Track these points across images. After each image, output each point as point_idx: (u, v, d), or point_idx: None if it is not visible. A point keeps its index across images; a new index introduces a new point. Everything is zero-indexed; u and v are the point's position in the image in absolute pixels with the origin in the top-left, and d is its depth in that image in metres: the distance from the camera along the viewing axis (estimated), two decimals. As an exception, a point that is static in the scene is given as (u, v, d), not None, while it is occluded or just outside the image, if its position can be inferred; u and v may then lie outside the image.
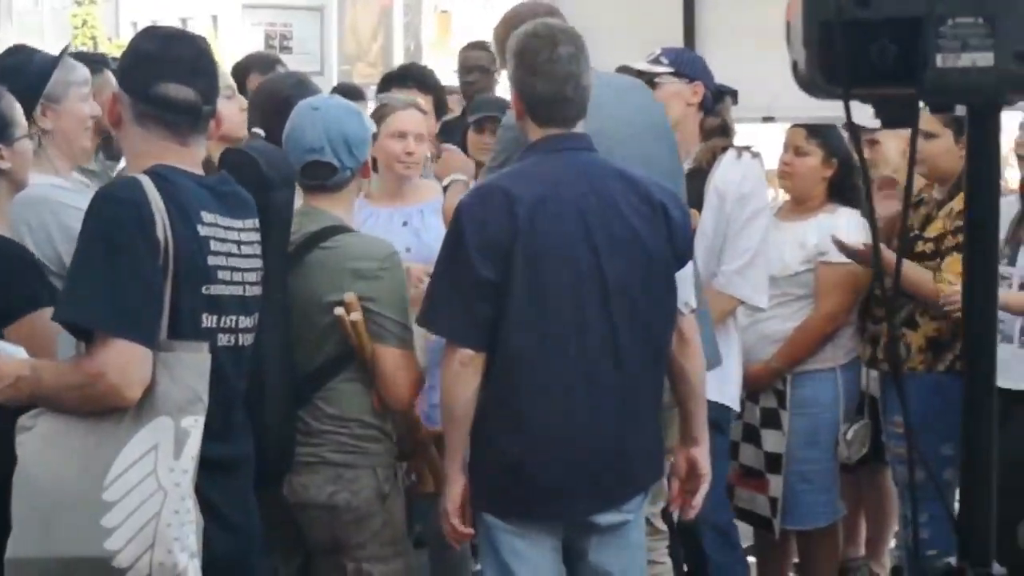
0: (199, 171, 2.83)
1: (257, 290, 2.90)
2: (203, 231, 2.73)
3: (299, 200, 3.41)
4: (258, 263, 2.91)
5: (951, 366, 4.61)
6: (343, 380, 3.38)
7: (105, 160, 4.66)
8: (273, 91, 4.05)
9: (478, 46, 6.29)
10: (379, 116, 4.24)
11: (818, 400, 4.72)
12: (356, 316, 3.29)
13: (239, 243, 2.83)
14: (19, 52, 3.69)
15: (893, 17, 1.63)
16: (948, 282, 4.45)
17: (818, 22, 1.69)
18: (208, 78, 2.83)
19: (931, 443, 4.13)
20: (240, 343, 2.86)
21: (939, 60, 1.59)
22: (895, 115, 1.73)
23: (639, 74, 4.17)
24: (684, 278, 3.34)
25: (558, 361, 3.21)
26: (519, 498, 3.30)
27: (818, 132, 4.80)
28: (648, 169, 3.41)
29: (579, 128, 3.29)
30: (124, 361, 2.60)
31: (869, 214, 1.81)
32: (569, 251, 3.20)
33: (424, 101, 4.67)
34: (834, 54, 1.67)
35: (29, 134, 3.23)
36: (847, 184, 4.77)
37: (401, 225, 4.14)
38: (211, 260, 2.75)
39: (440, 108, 5.16)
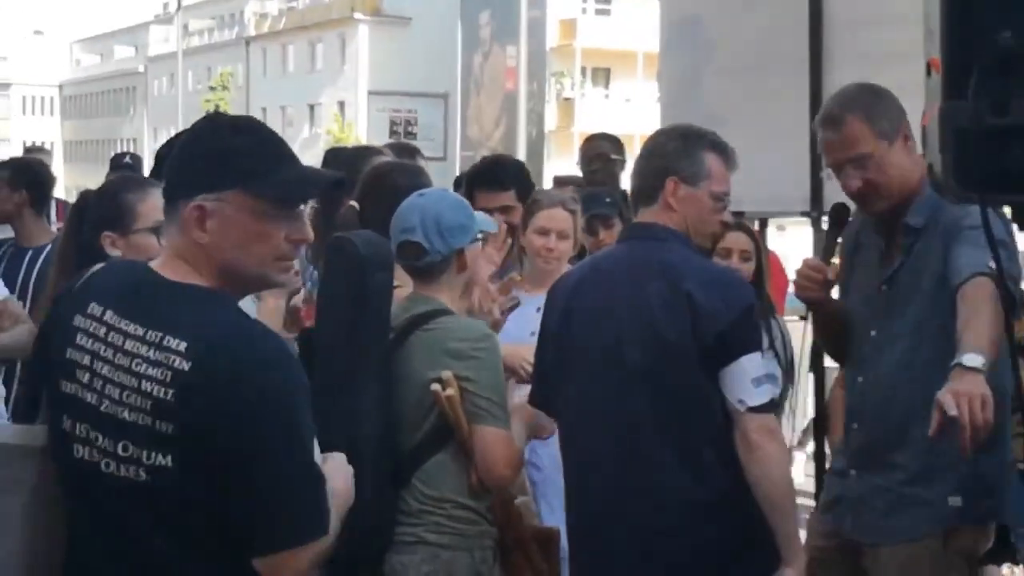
0: (160, 269, 2.37)
1: (128, 415, 2.24)
2: (78, 321, 2.32)
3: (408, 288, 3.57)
4: (137, 384, 2.24)
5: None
6: (440, 460, 3.45)
7: None
8: (382, 174, 4.16)
9: (601, 136, 6.36)
10: (529, 212, 4.51)
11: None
12: (451, 391, 3.37)
13: (118, 350, 2.27)
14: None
15: (1030, 125, 1.64)
16: None
17: (954, 128, 1.71)
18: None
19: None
20: (112, 469, 2.26)
21: (1075, 167, 1.61)
22: (1031, 220, 1.74)
23: None
24: (735, 373, 3.18)
25: (582, 446, 3.37)
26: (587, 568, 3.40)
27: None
28: None
29: (647, 216, 3.38)
30: None
31: (1008, 324, 1.79)
32: (592, 337, 3.34)
33: (507, 197, 4.69)
34: (970, 161, 1.69)
35: (152, 228, 3.26)
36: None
37: (535, 311, 4.22)
38: (70, 354, 2.32)
39: (524, 199, 5.07)
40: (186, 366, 2.20)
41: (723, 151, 3.41)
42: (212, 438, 2.20)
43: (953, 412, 2.82)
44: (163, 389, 2.21)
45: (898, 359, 3.47)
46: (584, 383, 3.34)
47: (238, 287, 2.39)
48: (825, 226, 4.04)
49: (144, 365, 2.23)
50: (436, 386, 3.39)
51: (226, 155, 2.34)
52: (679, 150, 3.37)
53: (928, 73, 1.75)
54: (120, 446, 2.24)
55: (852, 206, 3.73)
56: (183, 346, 2.22)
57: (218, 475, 2.21)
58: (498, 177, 4.83)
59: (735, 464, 3.21)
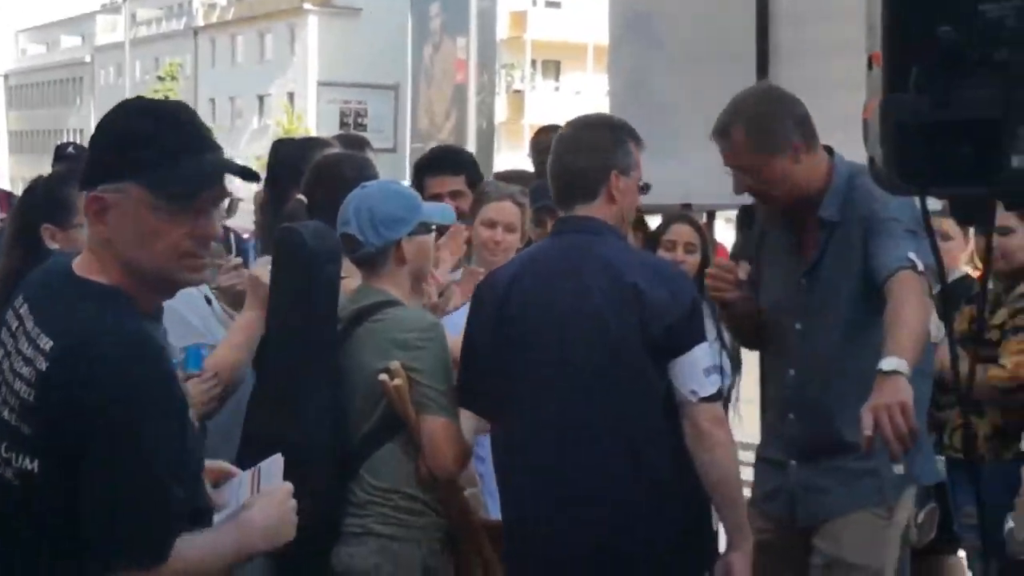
0: (75, 264, 2.30)
1: (7, 415, 2.18)
2: (8, 316, 2.28)
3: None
4: (14, 383, 2.18)
5: (1020, 455, 4.60)
6: (388, 451, 3.45)
7: None
8: (328, 165, 4.14)
9: (552, 128, 6.35)
10: (476, 203, 4.51)
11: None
12: (399, 382, 3.37)
13: (18, 347, 2.21)
14: None
15: (969, 119, 1.66)
16: (1001, 366, 4.54)
17: (895, 122, 1.73)
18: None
19: (1002, 531, 4.11)
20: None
21: (1015, 161, 1.63)
22: (970, 212, 1.77)
23: None
24: (687, 364, 3.20)
25: (525, 441, 3.30)
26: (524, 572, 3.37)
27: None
28: None
29: (585, 210, 3.33)
30: None
31: (946, 314, 1.83)
32: (535, 331, 3.28)
33: (457, 182, 4.69)
34: (910, 154, 1.71)
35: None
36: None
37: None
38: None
39: (475, 186, 5.08)
40: (45, 367, 2.12)
41: (639, 139, 3.44)
42: (64, 443, 2.09)
43: (868, 432, 2.99)
44: (29, 390, 2.14)
45: (829, 353, 3.53)
46: (525, 379, 3.29)
47: (146, 286, 2.24)
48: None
49: (22, 364, 2.16)
50: (384, 376, 3.39)
51: (125, 144, 2.21)
52: (615, 142, 3.38)
53: (869, 67, 1.77)
54: (3, 447, 2.17)
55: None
56: (49, 346, 2.13)
57: (73, 482, 2.09)
58: (448, 162, 4.83)
59: (678, 455, 3.23)
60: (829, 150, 3.65)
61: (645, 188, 3.44)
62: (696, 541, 3.33)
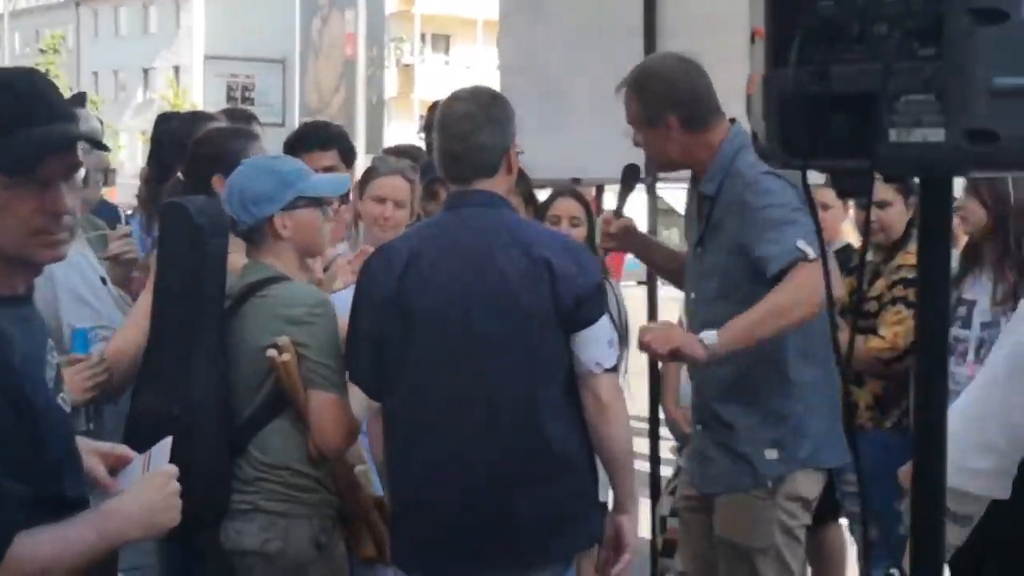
0: None
1: None
2: None
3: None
4: None
5: (898, 423, 4.72)
6: (277, 427, 3.43)
7: None
8: (201, 141, 4.08)
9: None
10: (364, 179, 4.49)
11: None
12: (287, 357, 3.35)
13: None
14: None
15: (849, 93, 1.69)
16: (880, 336, 4.67)
17: (777, 96, 1.75)
18: None
19: (883, 500, 4.20)
20: None
21: (893, 135, 1.65)
22: (851, 185, 1.80)
23: None
24: (592, 337, 3.25)
25: (426, 414, 3.27)
26: (410, 551, 3.36)
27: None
28: None
29: (484, 185, 3.33)
30: None
31: (826, 280, 1.86)
32: (438, 305, 3.25)
33: (328, 157, 4.64)
34: (793, 127, 1.73)
35: None
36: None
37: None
38: None
39: (348, 160, 5.04)
40: None
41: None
42: None
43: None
44: None
45: (708, 325, 3.58)
46: (424, 354, 3.27)
47: (3, 266, 2.15)
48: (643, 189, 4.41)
49: None
50: (272, 352, 3.36)
51: None
52: (510, 117, 3.38)
53: (752, 41, 1.79)
54: None
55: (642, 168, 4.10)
56: None
57: None
58: (317, 138, 4.77)
59: (574, 427, 3.27)
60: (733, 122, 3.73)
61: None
62: (591, 511, 3.38)
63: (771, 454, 3.65)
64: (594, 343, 3.25)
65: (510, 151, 3.36)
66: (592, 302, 3.26)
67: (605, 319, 3.30)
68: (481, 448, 3.23)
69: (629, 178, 4.06)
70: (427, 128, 6.28)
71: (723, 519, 3.79)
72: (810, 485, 3.75)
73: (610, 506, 3.48)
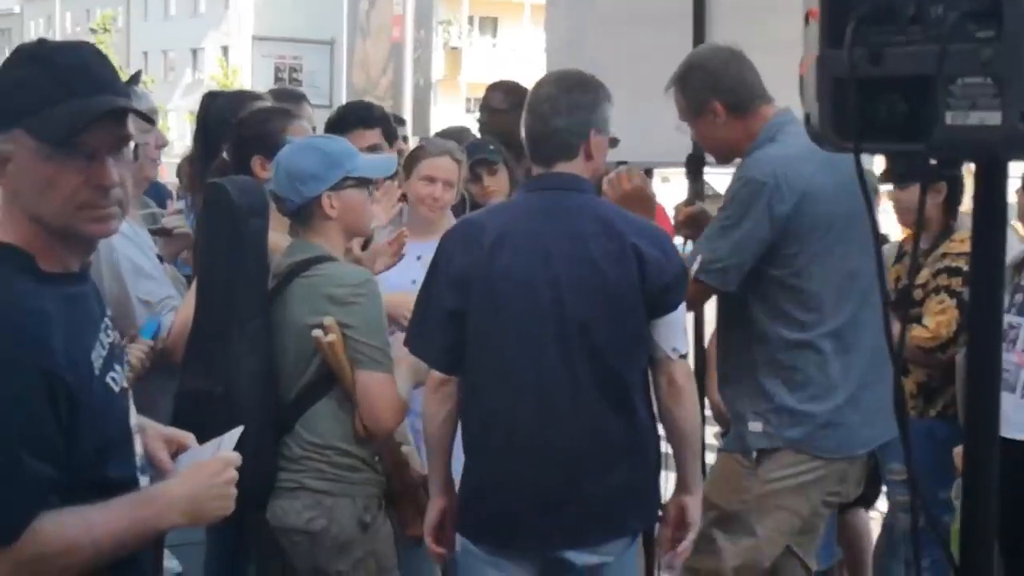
0: None
1: None
2: None
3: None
4: None
5: (943, 412, 4.67)
6: (323, 406, 3.45)
7: None
8: (244, 122, 4.10)
9: (497, 87, 6.31)
10: (413, 159, 4.49)
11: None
12: (333, 337, 3.35)
13: None
14: None
15: (904, 75, 1.66)
16: (924, 326, 4.63)
17: (831, 78, 1.73)
18: None
19: (928, 488, 4.17)
20: None
21: (948, 118, 1.63)
22: (904, 169, 1.77)
23: None
24: (672, 323, 3.32)
25: (511, 391, 3.27)
26: (483, 523, 3.37)
27: None
28: None
29: (564, 168, 3.34)
30: None
31: (879, 271, 1.83)
32: (526, 284, 3.26)
33: (372, 136, 4.64)
34: (846, 110, 1.71)
35: None
36: None
37: (415, 259, 4.21)
38: None
39: (390, 139, 5.00)
40: None
41: (611, 98, 3.46)
42: None
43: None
44: None
45: (721, 306, 3.82)
46: (516, 330, 3.26)
47: (55, 242, 2.13)
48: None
49: None
50: (317, 332, 3.37)
51: (10, 88, 2.09)
52: (596, 103, 3.39)
53: (806, 23, 1.76)
54: None
55: (707, 157, 4.15)
56: None
57: None
58: (358, 117, 4.77)
59: (648, 405, 3.37)
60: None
61: (614, 142, 3.49)
62: (656, 487, 3.45)
63: (755, 426, 3.76)
64: (673, 329, 3.33)
65: (590, 137, 3.36)
66: (676, 289, 3.32)
67: (683, 307, 3.37)
68: (565, 425, 3.25)
69: (694, 166, 4.09)
70: (485, 111, 6.28)
71: (709, 474, 3.94)
72: (802, 469, 3.76)
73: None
